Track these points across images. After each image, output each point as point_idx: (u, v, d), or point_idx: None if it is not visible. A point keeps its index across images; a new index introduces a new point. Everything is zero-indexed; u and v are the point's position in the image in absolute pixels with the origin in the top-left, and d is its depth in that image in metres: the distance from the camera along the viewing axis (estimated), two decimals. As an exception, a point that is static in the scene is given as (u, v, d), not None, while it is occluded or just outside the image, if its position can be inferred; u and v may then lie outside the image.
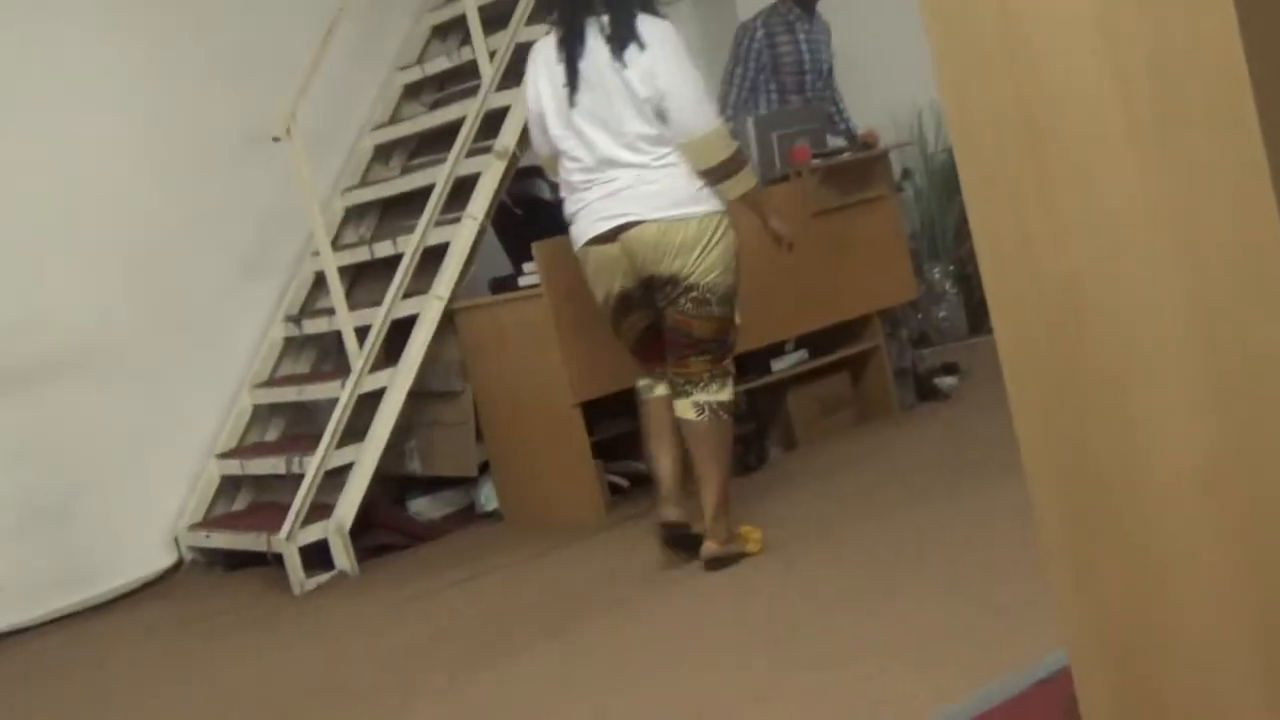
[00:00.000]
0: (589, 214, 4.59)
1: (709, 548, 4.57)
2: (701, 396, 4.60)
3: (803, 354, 6.23)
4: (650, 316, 4.68)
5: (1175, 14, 2.10)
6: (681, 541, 4.66)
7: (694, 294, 4.51)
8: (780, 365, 6.16)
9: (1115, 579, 2.24)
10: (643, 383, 4.81)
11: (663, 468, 4.71)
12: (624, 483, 5.87)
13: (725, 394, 4.64)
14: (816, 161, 6.26)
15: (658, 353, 4.72)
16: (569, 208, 4.69)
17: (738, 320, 4.69)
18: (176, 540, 6.11)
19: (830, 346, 6.30)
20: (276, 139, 5.72)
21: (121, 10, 6.15)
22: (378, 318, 5.78)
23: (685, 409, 4.61)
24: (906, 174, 7.92)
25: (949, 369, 6.71)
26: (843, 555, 4.42)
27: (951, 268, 7.89)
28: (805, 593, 4.15)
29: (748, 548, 4.65)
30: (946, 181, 7.84)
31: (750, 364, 6.10)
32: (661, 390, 4.73)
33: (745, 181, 4.61)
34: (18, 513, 5.76)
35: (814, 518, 4.96)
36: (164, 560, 6.08)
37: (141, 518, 6.05)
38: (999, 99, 2.38)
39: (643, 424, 4.85)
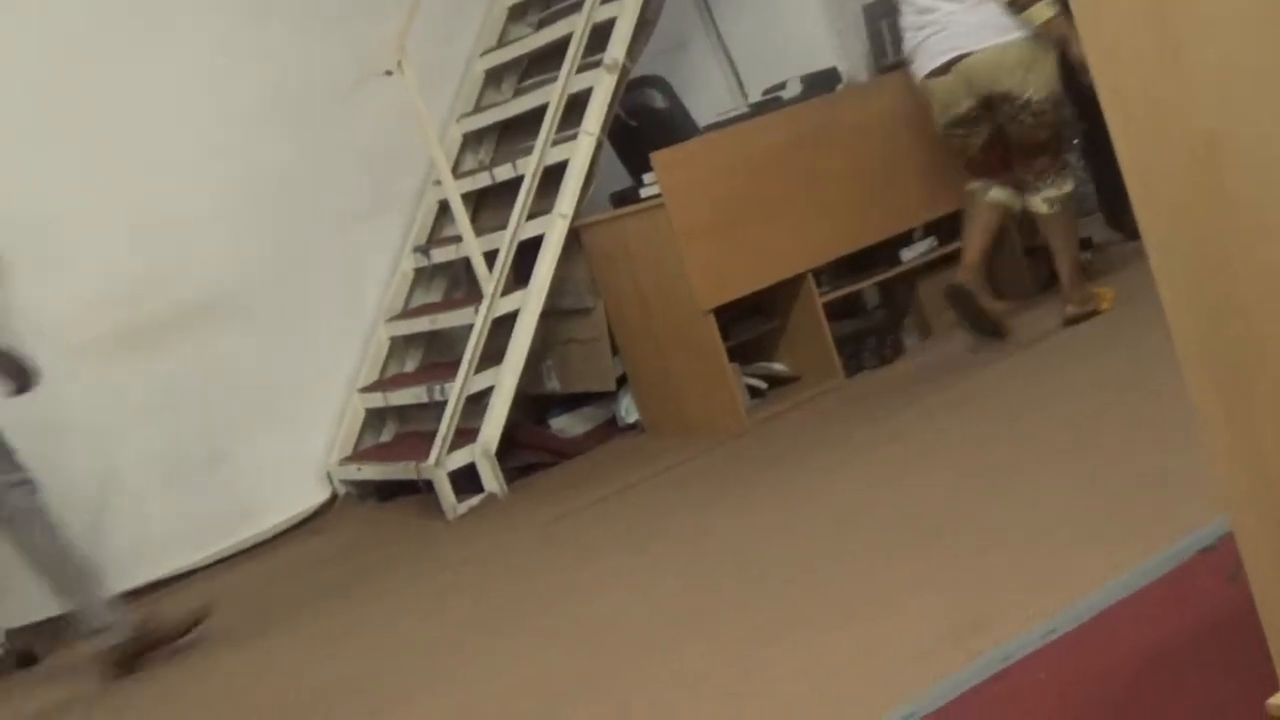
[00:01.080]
0: (924, 51, 5.41)
1: (1069, 311, 5.44)
2: (1050, 192, 5.44)
3: (931, 241, 6.17)
4: (985, 133, 5.45)
5: None
6: (960, 299, 5.34)
7: (1031, 107, 5.27)
8: (909, 254, 6.11)
9: (1273, 436, 2.21)
10: (975, 185, 5.54)
11: (970, 243, 5.46)
12: (762, 385, 5.89)
13: (1067, 186, 5.49)
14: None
15: (991, 164, 5.50)
16: (906, 46, 5.53)
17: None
18: (329, 475, 6.24)
19: (959, 231, 6.21)
20: (389, 72, 5.76)
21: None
22: (504, 241, 5.82)
23: (1038, 204, 5.48)
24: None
25: (1083, 244, 6.59)
26: (997, 438, 4.40)
27: (1079, 141, 7.73)
28: (962, 475, 4.14)
29: (1101, 305, 5.46)
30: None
31: (879, 255, 6.06)
32: (994, 195, 5.49)
33: (1043, 12, 5.14)
34: (172, 462, 5.91)
35: (960, 404, 4.94)
36: (318, 496, 6.22)
37: (293, 456, 6.18)
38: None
39: (966, 213, 5.57)
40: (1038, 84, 5.25)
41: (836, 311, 5.95)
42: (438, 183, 6.21)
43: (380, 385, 6.29)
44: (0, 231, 5.54)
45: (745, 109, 6.23)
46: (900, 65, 6.13)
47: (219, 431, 6.03)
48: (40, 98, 5.75)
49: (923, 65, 5.44)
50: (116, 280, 5.83)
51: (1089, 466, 3.81)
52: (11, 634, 5.44)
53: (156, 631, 4.73)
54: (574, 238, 5.87)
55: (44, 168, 5.74)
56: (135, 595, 5.62)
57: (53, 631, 5.43)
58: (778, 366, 5.97)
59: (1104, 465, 3.78)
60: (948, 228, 6.16)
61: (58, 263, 5.70)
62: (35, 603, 5.46)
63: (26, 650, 5.34)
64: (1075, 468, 3.84)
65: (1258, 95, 2.22)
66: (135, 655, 4.67)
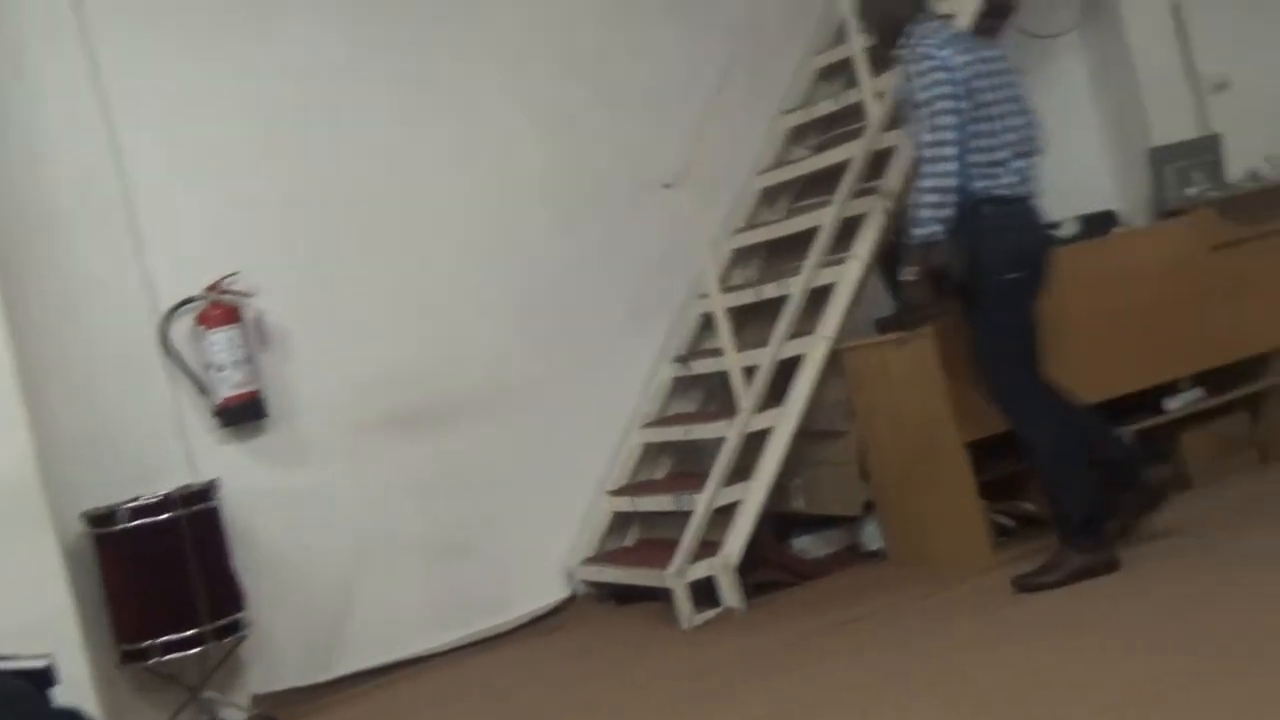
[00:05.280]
0: None
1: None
2: None
3: (1198, 392, 6.02)
4: None
5: None
6: None
7: None
8: (1173, 404, 5.96)
9: None
10: None
11: None
12: (1010, 523, 5.79)
13: None
14: (1213, 194, 6.07)
15: None
16: None
17: None
18: (569, 574, 6.33)
19: (1228, 384, 6.06)
20: (668, 186, 5.89)
21: (521, 61, 6.45)
22: (765, 358, 5.87)
23: None
24: (1311, 204, 7.56)
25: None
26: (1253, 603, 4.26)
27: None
28: (1209, 642, 4.01)
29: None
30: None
31: (1142, 402, 5.93)
32: None
33: None
34: (428, 542, 6.08)
35: (1219, 564, 4.79)
36: (558, 593, 6.31)
37: (538, 552, 6.30)
38: None
39: None
40: None
41: (1095, 456, 5.82)
42: (704, 295, 6.31)
43: (629, 489, 6.37)
44: (284, 307, 5.85)
45: (1018, 245, 6.18)
46: (1180, 211, 6.03)
47: (470, 521, 6.18)
48: (333, 188, 6.06)
49: None
50: (389, 365, 6.07)
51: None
52: (259, 699, 5.63)
53: None
54: (833, 360, 5.89)
55: (330, 250, 6.04)
56: (373, 674, 5.79)
57: (298, 699, 5.62)
58: (1028, 506, 5.86)
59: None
60: (1217, 380, 6.01)
61: (337, 344, 5.97)
62: (283, 670, 5.68)
63: (270, 716, 5.53)
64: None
65: None
66: None
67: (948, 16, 5.21)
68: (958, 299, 4.93)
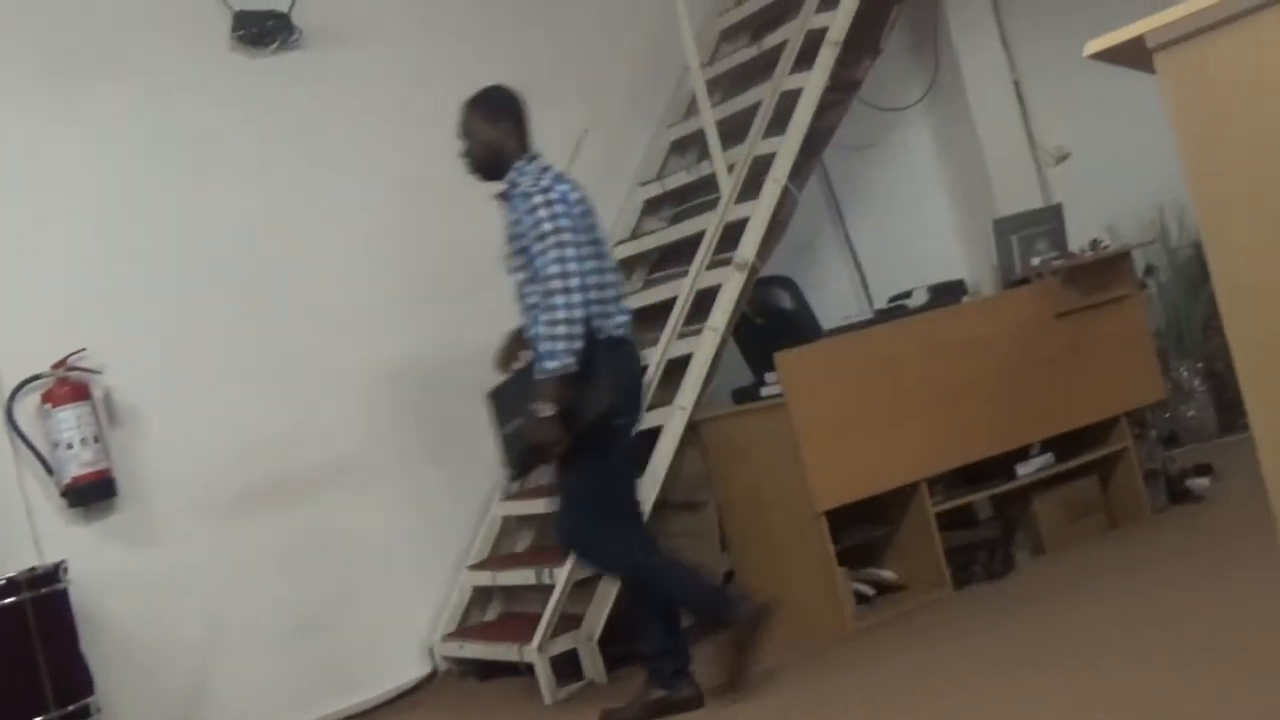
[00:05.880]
0: None
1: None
2: None
3: (1049, 457, 6.15)
4: None
5: None
6: None
7: None
8: (1025, 469, 6.08)
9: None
10: None
11: None
12: (869, 591, 5.85)
13: None
14: (1057, 263, 6.23)
15: None
16: None
17: None
18: (431, 650, 6.26)
19: (1077, 449, 6.20)
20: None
21: (375, 131, 6.43)
22: (623, 429, 5.87)
23: None
24: (1150, 270, 7.79)
25: (1201, 470, 6.54)
26: (1098, 667, 4.34)
27: (1200, 365, 7.70)
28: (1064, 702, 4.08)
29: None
30: (1191, 277, 7.68)
31: (995, 469, 6.05)
32: None
33: None
34: (285, 620, 5.98)
35: (1069, 627, 4.87)
36: (419, 670, 6.24)
37: (399, 628, 6.23)
38: (1254, 209, 2.37)
39: None
40: None
41: (948, 522, 5.92)
42: (562, 367, 6.31)
43: (490, 563, 6.33)
44: (135, 382, 5.75)
45: (870, 314, 6.30)
46: (1026, 280, 6.19)
47: (329, 596, 6.10)
48: (186, 257, 5.98)
49: None
50: (246, 439, 5.99)
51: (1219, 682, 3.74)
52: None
53: None
54: (691, 431, 5.92)
55: (186, 325, 5.94)
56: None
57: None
58: (886, 574, 5.93)
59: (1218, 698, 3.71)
60: (1066, 444, 6.14)
61: (191, 419, 5.88)
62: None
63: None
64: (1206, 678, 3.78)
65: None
66: None
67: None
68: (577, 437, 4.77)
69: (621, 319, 4.85)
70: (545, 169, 4.88)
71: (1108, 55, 2.53)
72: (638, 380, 5.00)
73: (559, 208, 4.69)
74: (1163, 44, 2.41)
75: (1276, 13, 2.29)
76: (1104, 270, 6.31)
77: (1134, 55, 2.49)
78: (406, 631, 6.26)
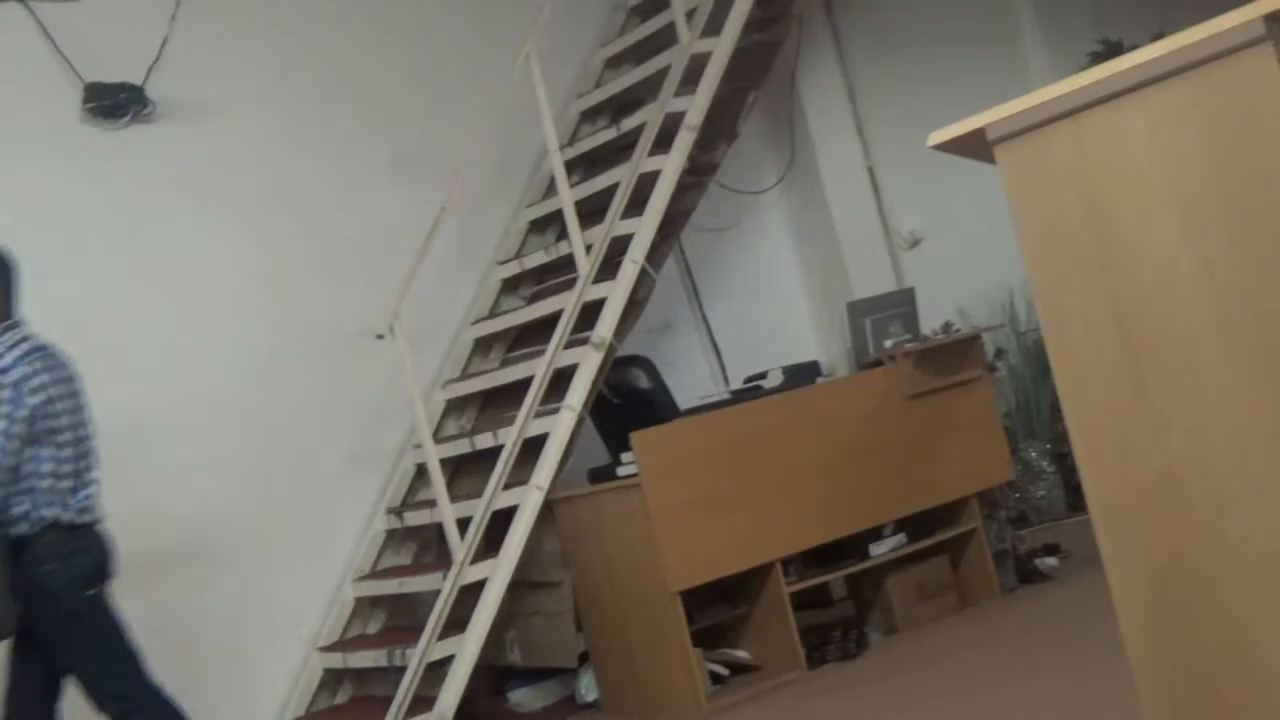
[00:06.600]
0: None
1: None
2: None
3: (901, 537, 6.21)
4: None
5: (1265, 224, 2.15)
6: None
7: None
8: (879, 549, 6.14)
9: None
10: None
11: None
12: (724, 671, 5.85)
13: None
14: (910, 345, 6.33)
15: None
16: None
17: None
18: (280, 734, 6.14)
19: (929, 529, 6.28)
20: (380, 336, 5.87)
21: (232, 208, 6.36)
22: (479, 509, 5.84)
23: None
24: (1000, 354, 7.95)
25: (1050, 550, 6.66)
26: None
27: (1048, 446, 7.86)
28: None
29: None
30: (1040, 360, 7.85)
31: (849, 548, 6.10)
32: None
33: None
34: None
35: (917, 705, 4.91)
36: (268, 755, 6.11)
37: (246, 711, 6.09)
38: (1091, 299, 2.42)
39: None
40: None
41: (803, 602, 5.96)
42: (418, 446, 6.27)
43: (341, 645, 6.23)
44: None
45: (726, 395, 6.34)
46: (879, 362, 6.28)
47: (176, 679, 5.92)
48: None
49: None
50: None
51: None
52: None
53: None
54: (547, 511, 5.90)
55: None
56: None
57: None
58: (741, 654, 5.94)
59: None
60: (918, 525, 6.22)
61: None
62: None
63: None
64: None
65: (1218, 434, 2.29)
66: None
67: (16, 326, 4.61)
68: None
69: (80, 503, 4.59)
70: (20, 341, 4.55)
71: (951, 146, 2.59)
72: (101, 554, 4.72)
73: (5, 393, 4.42)
74: (1003, 136, 2.47)
75: (1114, 107, 2.35)
76: (955, 353, 6.42)
77: (976, 147, 2.55)
78: (256, 716, 6.13)
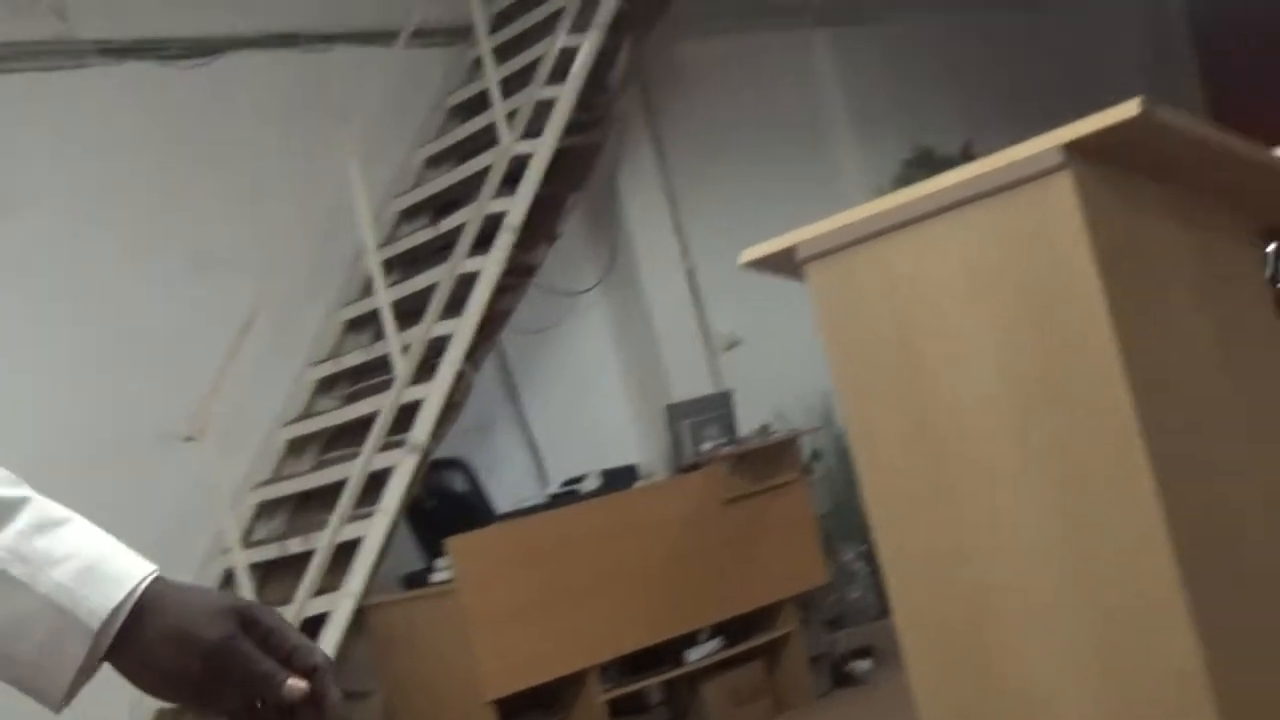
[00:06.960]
0: None
1: None
2: None
3: (718, 642, 6.20)
4: None
5: (1066, 346, 2.18)
6: None
7: None
8: (695, 654, 6.12)
9: None
10: None
11: None
12: (539, 781, 5.77)
13: None
14: (727, 449, 6.36)
15: None
16: None
17: None
18: None
19: (746, 633, 6.28)
20: (189, 438, 5.72)
21: (31, 301, 6.16)
22: (288, 616, 5.69)
23: None
24: (816, 455, 8.01)
25: (862, 653, 6.69)
26: None
27: (863, 547, 7.91)
28: None
29: None
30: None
31: (664, 654, 6.07)
32: None
33: None
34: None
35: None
36: None
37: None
38: (899, 419, 2.44)
39: None
40: None
41: (619, 708, 5.90)
42: (226, 550, 6.10)
43: (142, 758, 6.01)
44: None
45: (543, 499, 6.30)
46: (697, 466, 6.29)
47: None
48: None
49: None
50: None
51: None
52: None
53: None
54: (359, 618, 5.77)
55: None
56: None
57: None
58: (557, 762, 5.87)
59: None
60: (734, 629, 6.21)
61: None
62: None
63: None
64: None
65: (1025, 550, 2.31)
66: None
67: None
68: None
69: None
70: None
71: (763, 264, 2.60)
72: None
73: None
74: (811, 256, 2.49)
75: (920, 230, 2.39)
76: (772, 455, 6.47)
77: (786, 265, 2.56)
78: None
